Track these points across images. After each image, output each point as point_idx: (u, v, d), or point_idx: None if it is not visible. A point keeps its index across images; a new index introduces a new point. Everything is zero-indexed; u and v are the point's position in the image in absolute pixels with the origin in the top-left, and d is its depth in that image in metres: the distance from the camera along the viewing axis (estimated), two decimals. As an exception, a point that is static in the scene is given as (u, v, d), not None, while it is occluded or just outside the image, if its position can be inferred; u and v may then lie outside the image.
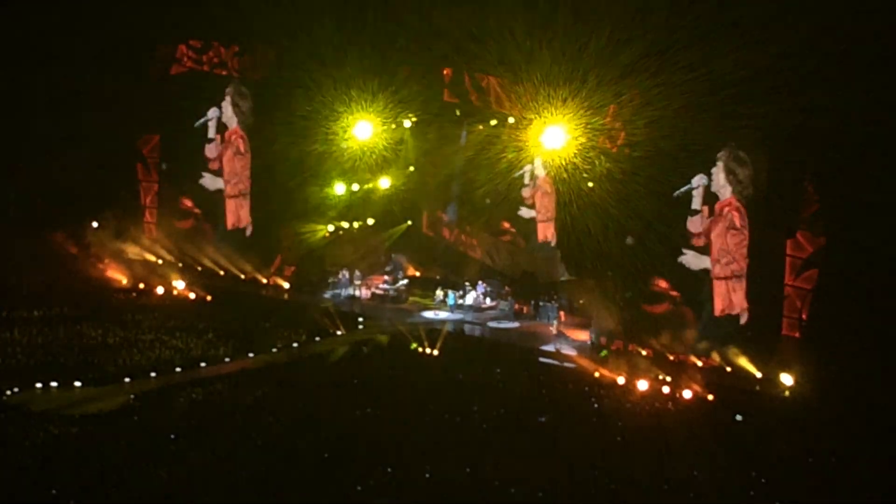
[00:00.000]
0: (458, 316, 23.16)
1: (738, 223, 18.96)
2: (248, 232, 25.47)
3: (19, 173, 24.67)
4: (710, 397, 17.55)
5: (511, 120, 23.34)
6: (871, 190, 16.81)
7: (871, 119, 16.49)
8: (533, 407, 16.48)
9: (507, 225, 25.23)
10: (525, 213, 24.58)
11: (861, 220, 16.98)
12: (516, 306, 23.43)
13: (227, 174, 25.48)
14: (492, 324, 22.71)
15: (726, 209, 19.04)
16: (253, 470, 13.19)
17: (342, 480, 12.97)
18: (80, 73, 24.13)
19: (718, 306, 19.11)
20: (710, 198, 19.20)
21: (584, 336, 21.14)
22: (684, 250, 19.71)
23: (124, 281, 24.84)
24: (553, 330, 21.56)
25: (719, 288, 19.18)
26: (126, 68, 24.80)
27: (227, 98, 25.02)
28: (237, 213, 25.58)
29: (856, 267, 16.94)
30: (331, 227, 25.52)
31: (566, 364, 19.50)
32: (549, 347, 20.58)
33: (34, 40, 23.94)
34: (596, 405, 17.08)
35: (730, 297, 19.07)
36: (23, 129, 24.44)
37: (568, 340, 20.82)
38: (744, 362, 18.63)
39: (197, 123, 25.20)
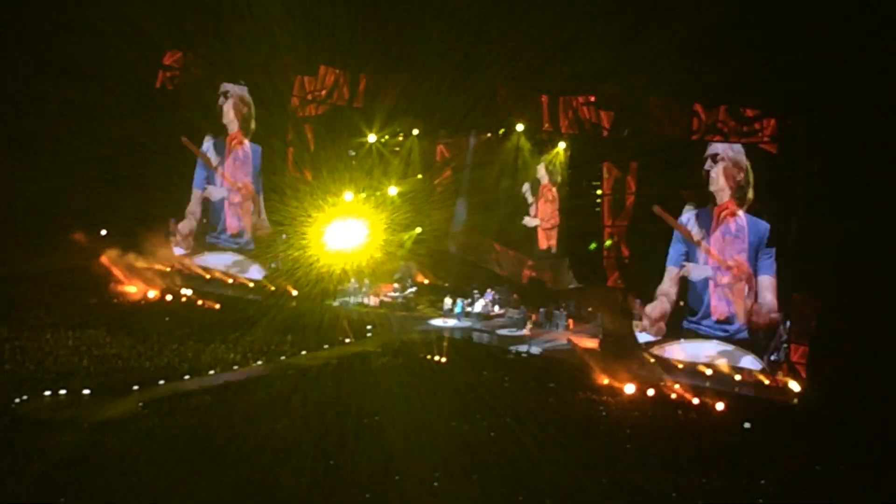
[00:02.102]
0: (466, 323, 23.13)
1: (734, 228, 18.90)
2: (251, 239, 25.48)
3: (28, 182, 24.80)
4: (720, 405, 17.50)
5: (520, 127, 23.41)
6: (882, 195, 16.80)
7: (882, 121, 16.49)
8: (540, 414, 16.48)
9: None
10: (529, 221, 24.58)
11: (872, 226, 16.93)
12: (527, 313, 23.38)
13: (229, 181, 25.51)
14: (501, 331, 22.69)
15: (724, 213, 19.00)
16: (261, 477, 13.19)
17: (349, 488, 12.97)
18: (89, 82, 24.32)
19: (723, 312, 19.07)
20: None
21: (592, 343, 21.12)
22: (683, 263, 19.71)
23: (133, 289, 24.91)
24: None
25: (722, 294, 19.12)
26: (133, 78, 25.00)
27: (230, 101, 25.02)
28: (241, 220, 25.55)
29: (866, 275, 16.88)
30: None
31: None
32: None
33: (41, 50, 24.14)
34: (604, 412, 17.08)
35: (733, 303, 19.01)
36: (32, 138, 24.60)
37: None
38: (753, 370, 18.56)
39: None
